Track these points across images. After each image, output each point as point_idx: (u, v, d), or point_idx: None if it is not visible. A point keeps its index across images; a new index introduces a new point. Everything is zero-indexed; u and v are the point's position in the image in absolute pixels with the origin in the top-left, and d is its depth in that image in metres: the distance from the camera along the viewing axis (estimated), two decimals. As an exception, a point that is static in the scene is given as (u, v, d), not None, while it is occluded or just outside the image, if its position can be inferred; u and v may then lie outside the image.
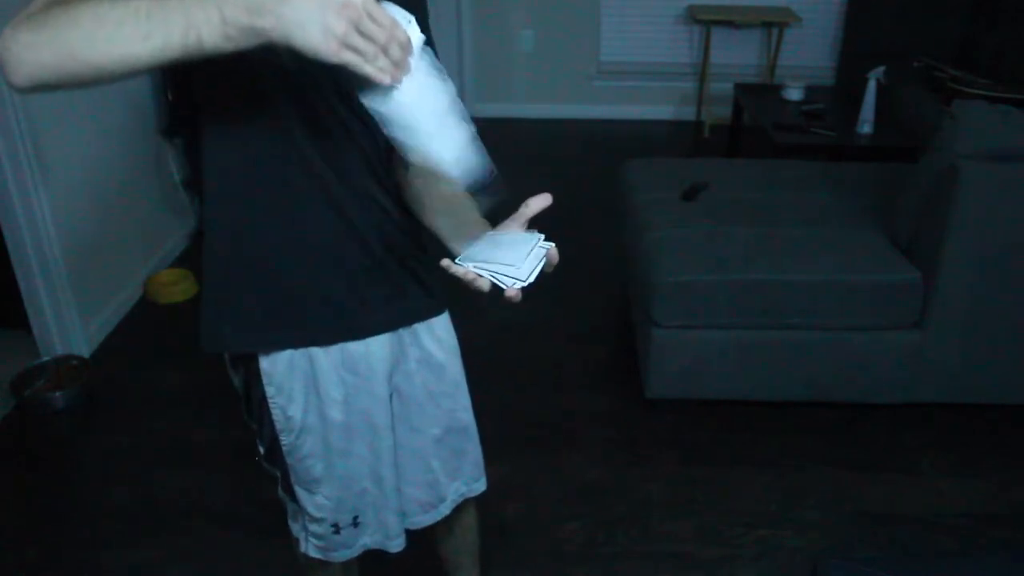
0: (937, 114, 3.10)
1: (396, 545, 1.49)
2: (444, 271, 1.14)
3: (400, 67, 0.89)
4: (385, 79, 0.88)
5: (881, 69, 3.58)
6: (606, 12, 5.02)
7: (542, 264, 1.06)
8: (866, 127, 3.59)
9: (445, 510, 1.55)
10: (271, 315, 1.26)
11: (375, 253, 1.27)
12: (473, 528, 1.73)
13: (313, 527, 1.45)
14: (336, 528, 1.43)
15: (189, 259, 3.52)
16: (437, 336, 1.42)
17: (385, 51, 0.87)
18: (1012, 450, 2.48)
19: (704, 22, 4.85)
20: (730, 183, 2.94)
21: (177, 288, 3.23)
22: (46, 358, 2.76)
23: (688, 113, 5.19)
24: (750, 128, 4.18)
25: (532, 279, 1.02)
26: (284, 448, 1.35)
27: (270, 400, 1.32)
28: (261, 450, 1.41)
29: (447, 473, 1.52)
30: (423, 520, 1.55)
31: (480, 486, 1.59)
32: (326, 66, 0.87)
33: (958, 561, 1.61)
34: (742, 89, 4.36)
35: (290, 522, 1.53)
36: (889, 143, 3.56)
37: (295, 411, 1.32)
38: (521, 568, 2.08)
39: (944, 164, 2.31)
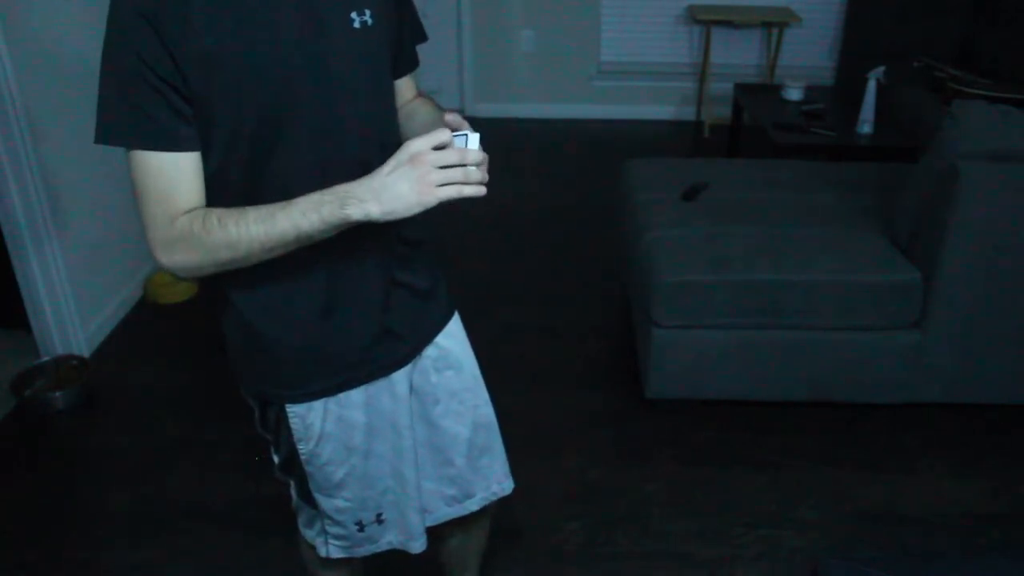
0: (937, 114, 3.10)
1: (418, 545, 1.47)
2: (445, 270, 1.23)
3: (484, 178, 1.05)
4: (481, 192, 1.04)
5: (881, 69, 3.58)
6: (606, 12, 5.02)
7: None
8: (866, 127, 3.59)
9: (472, 506, 1.54)
10: (299, 373, 1.28)
11: (392, 273, 1.29)
12: (486, 529, 1.73)
13: (334, 529, 1.44)
14: (360, 525, 1.43)
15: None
16: (450, 332, 1.43)
17: (466, 171, 1.02)
18: (1012, 450, 2.48)
19: (704, 22, 4.85)
20: (730, 183, 2.94)
21: (177, 288, 3.23)
22: (46, 358, 2.77)
23: (688, 113, 5.19)
24: (750, 128, 4.18)
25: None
26: (303, 456, 1.35)
27: (288, 411, 1.31)
28: (276, 460, 1.40)
29: (474, 470, 1.51)
30: (448, 513, 1.53)
31: (509, 485, 1.58)
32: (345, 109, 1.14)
33: (958, 561, 1.62)
34: (742, 89, 4.36)
35: (303, 528, 1.52)
36: (889, 143, 3.56)
37: (314, 419, 1.31)
38: (521, 568, 2.08)
39: (944, 164, 2.31)
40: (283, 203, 1.06)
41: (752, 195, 2.86)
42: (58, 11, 2.72)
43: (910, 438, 2.53)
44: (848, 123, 3.66)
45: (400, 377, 1.35)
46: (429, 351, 1.40)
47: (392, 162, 1.02)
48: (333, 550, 1.46)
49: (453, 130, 1.07)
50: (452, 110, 1.19)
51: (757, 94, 4.25)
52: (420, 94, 1.39)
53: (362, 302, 1.26)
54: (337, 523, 1.42)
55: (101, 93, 1.08)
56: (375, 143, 1.18)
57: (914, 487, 2.35)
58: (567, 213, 3.90)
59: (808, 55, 5.03)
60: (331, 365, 1.28)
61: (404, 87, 1.35)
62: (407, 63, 1.34)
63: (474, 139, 1.07)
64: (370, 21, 1.15)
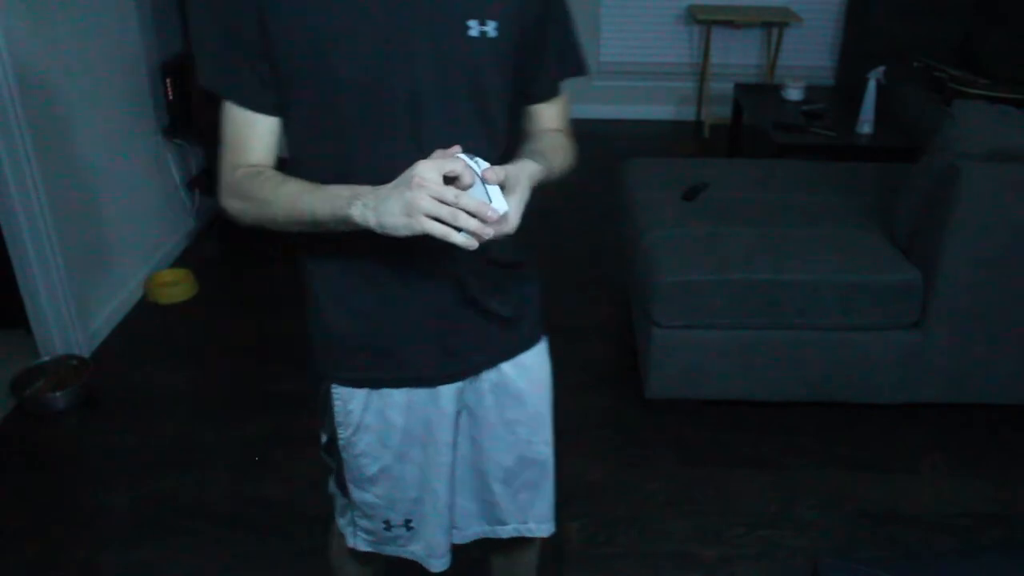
0: (937, 114, 3.10)
1: (438, 564, 1.44)
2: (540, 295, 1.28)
3: (481, 235, 0.97)
4: (468, 244, 0.97)
5: (881, 69, 3.58)
6: (606, 12, 5.02)
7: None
8: (866, 127, 3.59)
9: (502, 533, 1.50)
10: (349, 357, 1.28)
11: (466, 291, 1.24)
12: (533, 557, 1.67)
13: (363, 522, 1.43)
14: (388, 525, 1.42)
15: (189, 259, 3.52)
16: (521, 364, 1.37)
17: (454, 213, 0.96)
18: (1012, 450, 2.48)
19: (704, 22, 4.85)
20: (730, 183, 2.94)
21: (177, 288, 3.23)
22: (46, 358, 2.76)
23: (688, 113, 5.19)
24: (750, 128, 4.18)
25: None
26: (340, 442, 1.35)
27: (333, 391, 1.31)
28: (323, 439, 1.41)
29: (511, 501, 1.46)
30: (477, 532, 1.50)
31: (548, 528, 1.52)
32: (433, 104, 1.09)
33: (958, 561, 1.61)
34: (742, 89, 4.36)
35: (337, 517, 1.51)
36: (889, 143, 3.56)
37: (355, 406, 1.31)
38: (521, 568, 2.08)
39: (944, 164, 2.31)
40: (316, 186, 1.08)
41: (752, 195, 2.86)
42: (58, 13, 2.72)
43: (910, 438, 2.53)
44: (848, 123, 3.66)
45: (447, 392, 1.31)
46: (490, 374, 1.35)
47: (401, 176, 0.99)
48: (360, 542, 1.46)
49: (486, 181, 1.01)
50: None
51: (757, 94, 4.25)
52: (559, 130, 1.30)
53: (423, 310, 1.24)
54: (367, 516, 1.42)
55: (207, 38, 1.14)
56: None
57: (914, 487, 2.35)
58: (567, 213, 3.90)
59: (808, 55, 5.03)
60: (379, 359, 1.27)
61: (543, 116, 1.29)
62: (542, 91, 1.27)
63: (495, 192, 1.00)
64: (492, 33, 1.10)
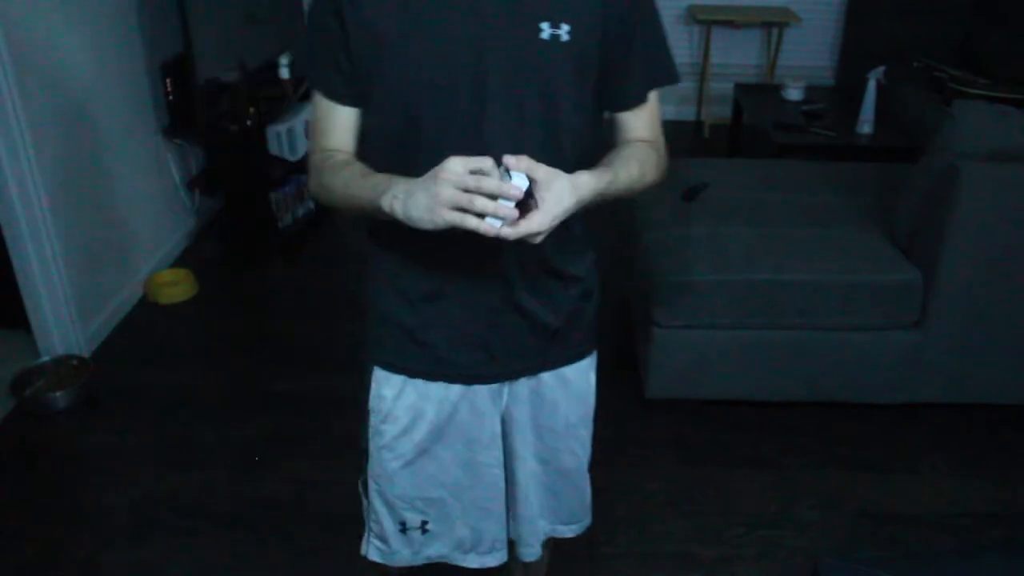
0: (937, 114, 3.10)
1: (471, 560, 1.44)
2: (595, 311, 1.31)
3: (503, 213, 0.98)
4: (488, 230, 0.98)
5: (881, 69, 3.58)
6: (606, 12, 5.01)
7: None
8: (866, 127, 3.59)
9: (528, 556, 1.51)
10: (390, 339, 1.30)
11: (513, 295, 1.24)
12: (544, 566, 1.70)
13: (376, 527, 1.43)
14: (403, 526, 1.41)
15: (189, 259, 3.52)
16: (562, 376, 1.37)
17: (472, 199, 0.97)
18: (1012, 450, 2.48)
19: (704, 22, 4.85)
20: (730, 183, 2.93)
21: (177, 288, 3.23)
22: (46, 358, 2.76)
23: (688, 113, 5.19)
24: (750, 128, 4.18)
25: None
26: (370, 429, 1.35)
27: (373, 376, 1.33)
28: (361, 425, 1.41)
29: (541, 509, 1.47)
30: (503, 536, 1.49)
31: (570, 531, 1.54)
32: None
33: (958, 561, 1.61)
34: (742, 89, 4.36)
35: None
36: (889, 143, 3.56)
37: (388, 392, 1.32)
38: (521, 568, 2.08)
39: (944, 164, 2.31)
40: (366, 174, 1.13)
41: (752, 195, 2.85)
42: (58, 13, 2.72)
43: (910, 438, 2.53)
44: (848, 123, 3.66)
45: (483, 392, 1.32)
46: (528, 381, 1.35)
47: (431, 171, 1.00)
48: (372, 551, 1.45)
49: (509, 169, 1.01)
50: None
51: (757, 94, 4.25)
52: (646, 140, 1.25)
53: (469, 309, 1.24)
54: (379, 520, 1.41)
55: (307, 28, 1.19)
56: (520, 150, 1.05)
57: (914, 487, 2.35)
58: (567, 213, 3.90)
59: (808, 55, 5.03)
60: (419, 349, 1.28)
61: (628, 125, 1.25)
62: (626, 99, 1.23)
63: (520, 178, 0.99)
64: (565, 37, 1.09)
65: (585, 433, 1.45)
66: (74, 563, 2.10)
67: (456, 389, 1.31)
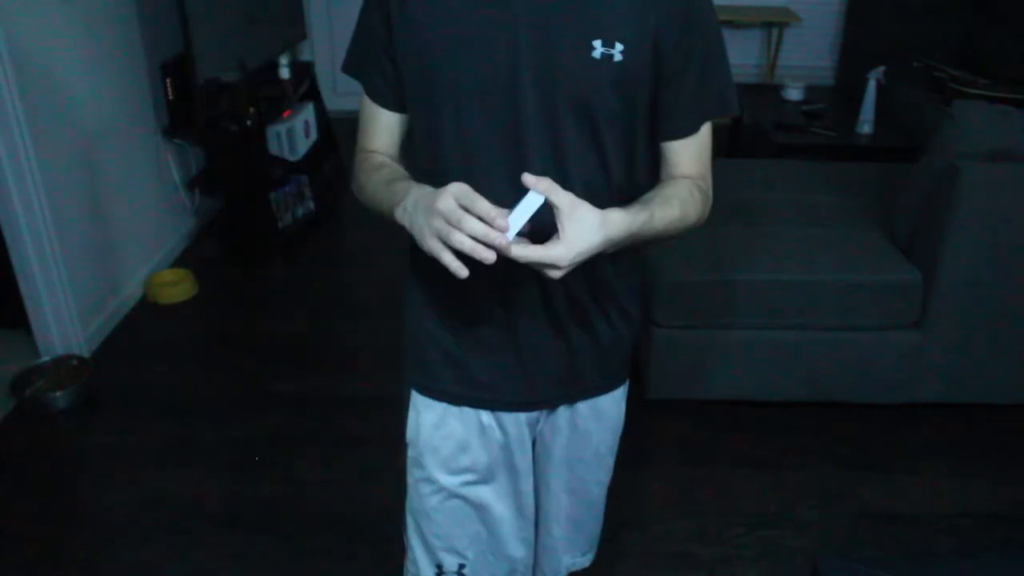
0: (937, 114, 3.10)
1: None
2: (633, 342, 1.28)
3: (485, 260, 0.93)
4: (452, 267, 0.94)
5: (881, 69, 3.58)
6: (606, 12, 5.01)
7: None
8: (866, 127, 3.59)
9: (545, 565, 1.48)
10: (430, 364, 1.25)
11: (556, 324, 1.20)
12: None
13: (412, 568, 1.37)
14: (439, 569, 1.35)
15: (189, 259, 3.52)
16: (597, 406, 1.33)
17: (446, 231, 0.94)
18: (1012, 450, 2.48)
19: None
20: (730, 183, 2.93)
21: (177, 288, 3.23)
22: (46, 358, 2.76)
23: (688, 113, 5.18)
24: (750, 128, 4.18)
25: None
26: (408, 460, 1.30)
27: (412, 402, 1.27)
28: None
29: (564, 544, 1.45)
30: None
31: (587, 560, 1.51)
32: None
33: (958, 561, 1.61)
34: (742, 89, 4.35)
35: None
36: (889, 143, 3.56)
37: (427, 421, 1.26)
38: (521, 568, 2.08)
39: (944, 164, 2.31)
40: (393, 180, 1.12)
41: (752, 195, 2.85)
42: (58, 13, 2.72)
43: (910, 438, 2.53)
44: (848, 123, 3.66)
45: (522, 420, 1.28)
46: (565, 411, 1.32)
47: (436, 192, 0.97)
48: None
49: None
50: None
51: (757, 94, 4.25)
52: (691, 177, 1.16)
53: (510, 335, 1.20)
54: (416, 561, 1.35)
55: (357, 26, 1.18)
56: (561, 182, 0.96)
57: (914, 487, 2.35)
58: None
59: (808, 55, 5.03)
60: (460, 374, 1.23)
61: (675, 156, 1.16)
62: (675, 127, 1.14)
63: (535, 196, 0.94)
64: (618, 57, 1.03)
65: (611, 460, 1.42)
66: (74, 563, 2.10)
67: (498, 417, 1.26)
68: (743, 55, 5.08)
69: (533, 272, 0.99)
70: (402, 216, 1.02)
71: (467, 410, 1.25)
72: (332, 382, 2.73)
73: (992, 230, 2.32)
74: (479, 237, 0.91)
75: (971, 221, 2.30)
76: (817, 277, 2.42)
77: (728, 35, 5.11)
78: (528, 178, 0.93)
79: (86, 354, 2.85)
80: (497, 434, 1.27)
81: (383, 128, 1.21)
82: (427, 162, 1.15)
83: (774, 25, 4.90)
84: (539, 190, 0.93)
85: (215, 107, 3.29)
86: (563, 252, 0.94)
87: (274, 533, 2.17)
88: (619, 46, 1.03)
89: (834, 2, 4.91)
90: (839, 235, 2.59)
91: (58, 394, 2.61)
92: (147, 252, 3.34)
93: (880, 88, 3.57)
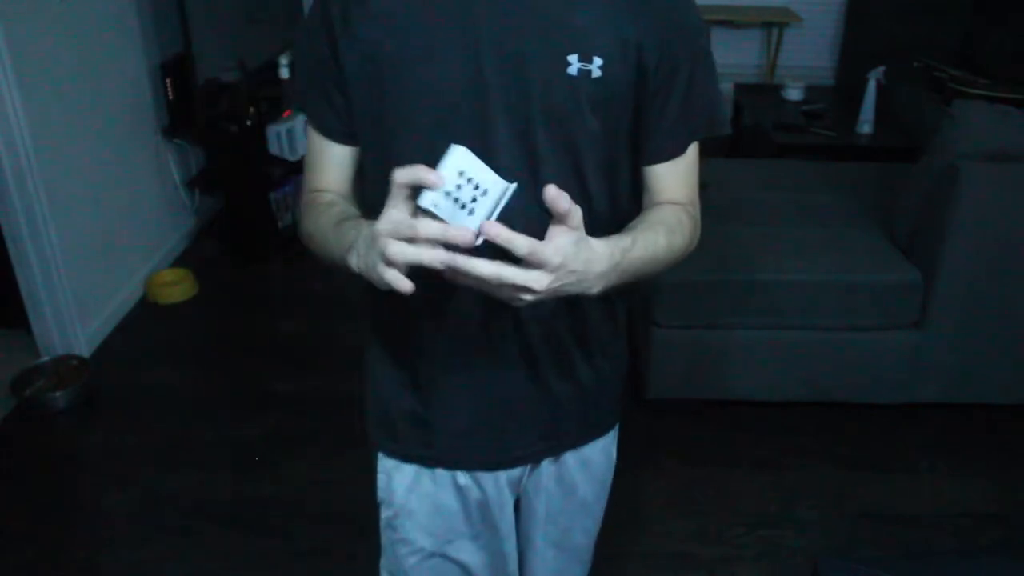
0: (937, 114, 3.10)
1: None
2: (621, 381, 1.16)
3: (441, 263, 0.80)
4: (402, 288, 0.81)
5: (881, 69, 3.58)
6: (606, 12, 5.01)
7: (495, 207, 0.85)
8: (866, 127, 3.59)
9: None
10: (396, 425, 1.15)
11: (533, 371, 1.09)
12: None
13: None
14: None
15: (189, 259, 3.52)
16: (584, 457, 1.23)
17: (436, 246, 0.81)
18: (1012, 450, 2.48)
19: (704, 22, 4.84)
20: (730, 183, 2.93)
21: (177, 288, 3.23)
22: (46, 358, 2.76)
23: (688, 113, 5.18)
24: (750, 128, 4.18)
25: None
26: (382, 520, 1.22)
27: (379, 462, 1.18)
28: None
29: None
30: None
31: None
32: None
33: (958, 561, 1.61)
34: (742, 89, 4.36)
35: None
36: (889, 143, 3.56)
37: (399, 485, 1.17)
38: (521, 568, 2.08)
39: (944, 164, 2.31)
40: (340, 222, 0.98)
41: (752, 195, 2.85)
42: (58, 14, 2.72)
43: (910, 438, 2.53)
44: (848, 123, 3.66)
45: (505, 478, 1.17)
46: (549, 466, 1.21)
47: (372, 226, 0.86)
48: None
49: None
50: None
51: (757, 94, 4.25)
52: (678, 203, 1.08)
53: (483, 388, 1.10)
54: None
55: (299, 57, 1.09)
56: (535, 211, 0.85)
57: (914, 487, 2.35)
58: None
59: (808, 55, 5.03)
60: (430, 435, 1.13)
61: (659, 181, 1.06)
62: (658, 149, 1.04)
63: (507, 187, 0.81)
64: (597, 73, 0.94)
65: (599, 509, 1.33)
66: (74, 563, 2.09)
67: (475, 477, 1.16)
68: (743, 55, 5.08)
69: (506, 318, 0.92)
70: (357, 263, 0.88)
71: (440, 471, 1.15)
72: (332, 382, 2.73)
73: (992, 230, 2.32)
74: (436, 237, 0.79)
75: (971, 221, 2.30)
76: (817, 277, 2.42)
77: (728, 35, 5.13)
78: (551, 191, 0.81)
79: (86, 354, 2.85)
80: (475, 494, 1.17)
81: (332, 164, 1.08)
82: (381, 199, 0.95)
83: (774, 25, 4.90)
84: (551, 197, 0.81)
85: (215, 107, 3.29)
86: (541, 278, 0.82)
87: (274, 533, 2.17)
88: (597, 61, 0.94)
89: (834, 2, 4.90)
90: (839, 235, 2.59)
91: (58, 394, 2.61)
92: (147, 252, 3.34)
93: (880, 88, 3.57)
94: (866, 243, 2.55)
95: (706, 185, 3.13)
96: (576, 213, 0.82)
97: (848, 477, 2.38)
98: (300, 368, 2.85)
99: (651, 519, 2.22)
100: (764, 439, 2.52)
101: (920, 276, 2.41)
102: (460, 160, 0.81)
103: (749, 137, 4.26)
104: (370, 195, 1.06)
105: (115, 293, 3.10)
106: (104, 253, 3.03)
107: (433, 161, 0.81)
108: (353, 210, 1.05)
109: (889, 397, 2.57)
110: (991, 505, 2.28)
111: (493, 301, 0.87)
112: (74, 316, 2.81)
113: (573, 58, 0.93)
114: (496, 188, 0.82)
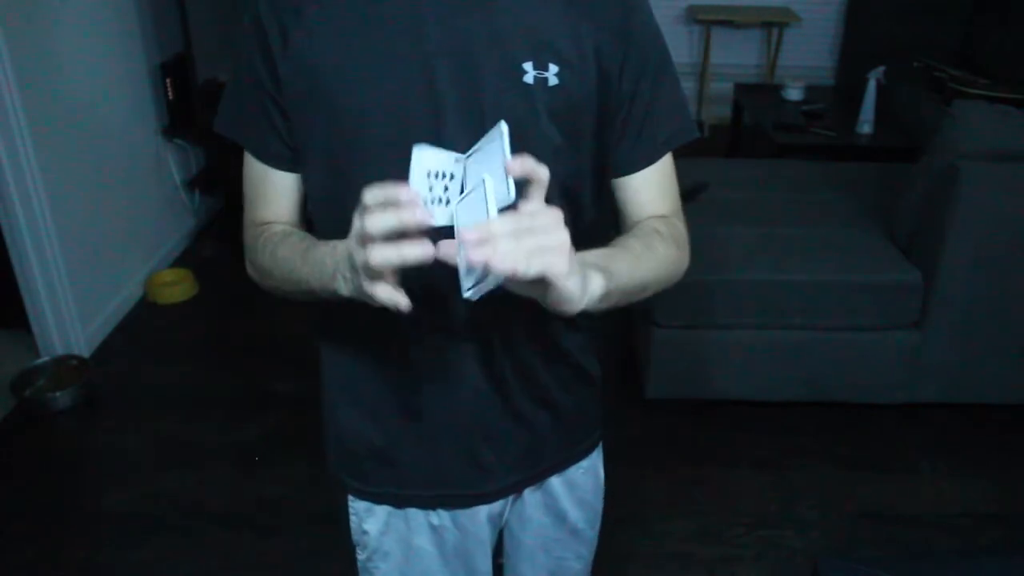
0: (937, 114, 3.10)
1: None
2: (599, 402, 1.13)
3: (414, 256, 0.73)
4: (391, 303, 0.76)
5: (881, 69, 3.58)
6: (606, 12, 5.01)
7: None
8: (866, 127, 3.59)
9: None
10: (364, 466, 1.10)
11: (505, 396, 1.03)
12: None
13: None
14: None
15: (189, 259, 3.52)
16: (570, 480, 1.17)
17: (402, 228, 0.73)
18: (1012, 450, 2.48)
19: (704, 22, 4.85)
20: (730, 183, 2.93)
21: (177, 288, 3.23)
22: (46, 358, 2.76)
23: (688, 113, 5.18)
24: (750, 128, 4.18)
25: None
26: (359, 562, 1.17)
27: (349, 506, 1.13)
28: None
29: None
30: None
31: None
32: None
33: (958, 561, 1.61)
34: (742, 89, 4.36)
35: None
36: (889, 143, 3.56)
37: (372, 527, 1.12)
38: (521, 568, 2.08)
39: (944, 164, 2.31)
40: (308, 250, 0.91)
41: (752, 195, 2.86)
42: (58, 14, 2.72)
43: (910, 438, 2.53)
44: (848, 123, 3.66)
45: (484, 513, 1.11)
46: (534, 494, 1.15)
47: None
48: None
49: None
50: None
51: (757, 94, 4.25)
52: (660, 216, 1.03)
53: (454, 418, 1.03)
54: None
55: (230, 79, 1.01)
56: None
57: (914, 487, 2.35)
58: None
59: (808, 55, 5.03)
60: (400, 474, 1.07)
61: (638, 195, 1.01)
62: (625, 160, 0.99)
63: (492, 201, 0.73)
64: (554, 80, 0.89)
65: (593, 534, 1.27)
66: (74, 563, 2.09)
67: (452, 515, 1.10)
68: (743, 55, 5.08)
69: (474, 348, 0.89)
70: (346, 288, 0.82)
71: (413, 511, 1.09)
72: (332, 382, 2.73)
73: (992, 230, 2.32)
74: (407, 222, 0.72)
75: (971, 221, 2.30)
76: (817, 277, 2.42)
77: (728, 35, 5.14)
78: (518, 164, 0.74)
79: (86, 354, 2.85)
80: (451, 535, 1.11)
81: (277, 193, 1.00)
82: (330, 230, 0.91)
83: (774, 25, 4.91)
84: (516, 174, 0.74)
85: (215, 107, 3.29)
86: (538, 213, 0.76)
87: (274, 533, 2.17)
88: (553, 67, 0.89)
89: (834, 2, 4.91)
90: (839, 235, 2.59)
91: (58, 394, 2.61)
92: (147, 252, 3.34)
93: (880, 88, 3.57)
94: (866, 243, 2.55)
95: (706, 185, 3.15)
96: (543, 172, 0.76)
97: (848, 477, 2.38)
98: (300, 368, 2.84)
99: (651, 519, 2.22)
100: (764, 439, 2.52)
101: (920, 276, 2.41)
102: (425, 161, 0.78)
103: (749, 137, 4.26)
104: (317, 221, 1.00)
105: (115, 293, 3.10)
106: (104, 253, 3.03)
107: (386, 179, 0.75)
108: (312, 237, 0.96)
109: (889, 397, 2.57)
110: (991, 505, 2.28)
111: (459, 333, 0.86)
112: (74, 316, 2.81)
113: (528, 65, 0.88)
114: (458, 169, 0.78)
